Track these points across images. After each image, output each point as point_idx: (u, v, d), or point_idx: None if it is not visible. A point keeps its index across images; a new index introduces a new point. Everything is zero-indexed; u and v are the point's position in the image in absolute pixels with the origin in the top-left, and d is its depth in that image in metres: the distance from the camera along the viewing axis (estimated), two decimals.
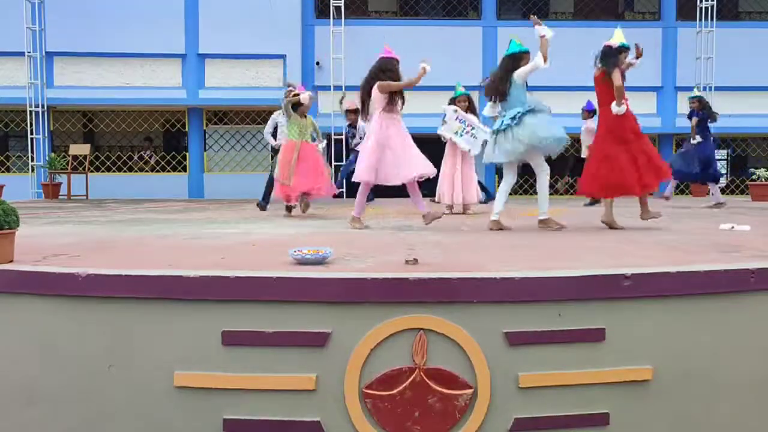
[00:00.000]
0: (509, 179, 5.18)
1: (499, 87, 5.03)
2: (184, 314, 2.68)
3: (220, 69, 13.14)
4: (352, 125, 9.97)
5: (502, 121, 5.01)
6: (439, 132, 7.48)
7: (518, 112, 4.93)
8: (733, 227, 5.07)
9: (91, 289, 2.70)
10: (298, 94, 6.84)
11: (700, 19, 13.41)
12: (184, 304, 2.68)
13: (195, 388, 2.67)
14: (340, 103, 10.41)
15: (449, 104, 7.67)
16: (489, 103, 5.35)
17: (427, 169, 5.09)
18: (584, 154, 9.27)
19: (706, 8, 13.40)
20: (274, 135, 8.64)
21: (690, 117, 8.86)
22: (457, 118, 7.37)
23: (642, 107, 13.51)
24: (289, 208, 7.07)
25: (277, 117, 8.46)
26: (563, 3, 14.61)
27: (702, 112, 8.74)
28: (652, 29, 13.66)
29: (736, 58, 13.30)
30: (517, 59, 5.03)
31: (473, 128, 7.35)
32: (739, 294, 2.82)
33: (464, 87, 7.84)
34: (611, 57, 5.12)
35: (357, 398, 2.64)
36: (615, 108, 5.05)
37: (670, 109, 13.93)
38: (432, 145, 8.56)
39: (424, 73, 5.07)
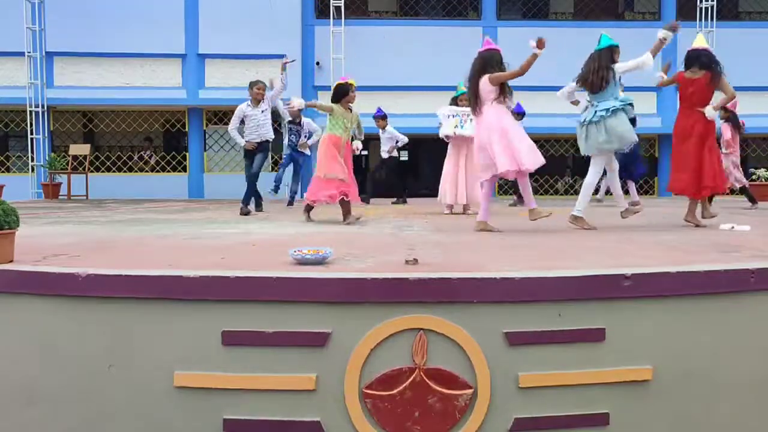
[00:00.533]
0: (597, 173, 5.23)
1: (603, 77, 5.06)
2: (184, 314, 2.68)
3: (220, 69, 13.14)
4: (295, 121, 8.94)
5: (595, 112, 5.06)
6: (441, 134, 7.49)
7: (614, 106, 5.00)
8: (733, 227, 5.07)
9: (91, 289, 2.70)
10: (346, 85, 5.92)
11: (700, 19, 13.41)
12: (184, 304, 2.68)
13: (195, 388, 2.67)
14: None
15: (451, 103, 7.68)
16: (567, 88, 5.44)
17: (539, 161, 4.88)
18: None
19: (706, 8, 13.40)
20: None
21: None
22: (448, 115, 7.39)
23: (642, 107, 13.52)
24: (310, 209, 6.18)
25: (245, 109, 7.54)
26: (563, 3, 14.61)
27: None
28: (652, 29, 13.61)
29: (736, 58, 13.24)
30: (614, 52, 5.12)
31: (467, 114, 7.38)
32: (739, 294, 2.82)
33: (466, 86, 7.84)
34: (718, 63, 5.26)
35: (357, 398, 2.64)
36: (712, 112, 5.21)
37: (670, 109, 13.92)
38: (434, 145, 8.59)
39: (535, 58, 4.83)
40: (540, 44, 4.76)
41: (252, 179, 7.42)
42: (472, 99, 5.05)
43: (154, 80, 13.18)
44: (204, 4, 13.04)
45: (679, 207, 8.95)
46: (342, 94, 5.87)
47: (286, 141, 9.07)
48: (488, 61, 4.99)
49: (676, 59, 13.63)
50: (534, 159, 4.80)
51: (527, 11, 14.14)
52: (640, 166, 9.01)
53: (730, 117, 9.04)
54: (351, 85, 5.93)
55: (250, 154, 7.58)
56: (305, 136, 8.94)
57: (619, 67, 5.07)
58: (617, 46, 5.15)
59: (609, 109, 5.00)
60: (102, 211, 7.98)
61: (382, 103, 11.59)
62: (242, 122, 7.63)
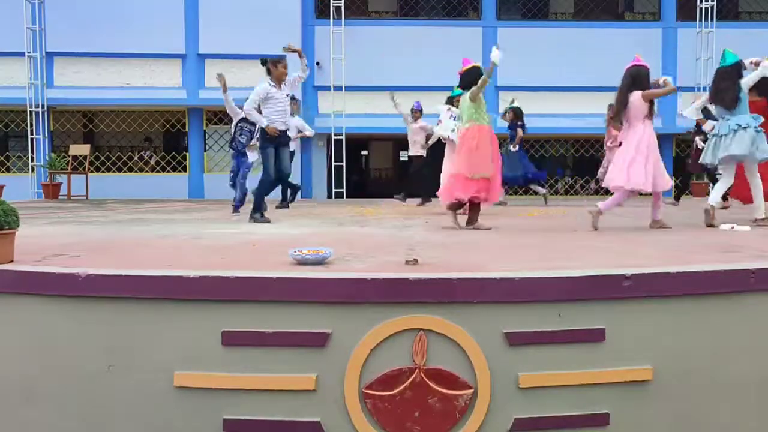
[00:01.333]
0: (728, 179, 5.52)
1: (734, 98, 5.37)
2: (184, 314, 2.68)
3: (220, 69, 13.08)
4: (248, 120, 7.25)
5: (728, 126, 5.34)
6: (437, 133, 7.49)
7: (748, 124, 5.29)
8: (733, 227, 5.07)
9: (91, 289, 2.70)
10: (480, 67, 5.36)
11: (700, 20, 13.41)
12: (184, 304, 2.68)
13: (195, 388, 2.67)
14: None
15: (446, 104, 7.68)
16: (695, 106, 5.89)
17: (669, 184, 5.22)
18: (412, 152, 9.55)
19: (706, 8, 13.39)
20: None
21: (511, 128, 9.60)
22: (451, 116, 7.38)
23: None
24: (457, 207, 5.41)
25: (269, 88, 6.12)
26: (563, 3, 14.60)
27: (519, 122, 9.52)
28: (652, 29, 13.66)
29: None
30: (739, 68, 5.43)
31: None
32: (739, 294, 2.82)
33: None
34: None
35: (357, 398, 2.64)
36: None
37: (670, 110, 13.92)
38: (433, 145, 8.58)
39: (670, 91, 5.19)
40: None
41: (285, 178, 6.29)
42: (619, 111, 5.21)
43: (154, 80, 13.16)
44: (204, 4, 13.03)
45: (677, 207, 8.94)
46: (476, 76, 5.30)
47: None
48: (636, 78, 5.13)
49: (676, 64, 13.67)
50: (667, 182, 5.12)
51: (527, 11, 14.13)
52: (536, 172, 9.58)
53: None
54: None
55: (271, 141, 6.17)
56: (256, 138, 7.68)
57: (744, 82, 5.39)
58: (742, 61, 5.49)
59: (743, 126, 5.27)
60: (102, 211, 7.97)
61: (382, 103, 11.57)
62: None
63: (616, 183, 5.07)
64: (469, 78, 5.38)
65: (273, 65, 6.13)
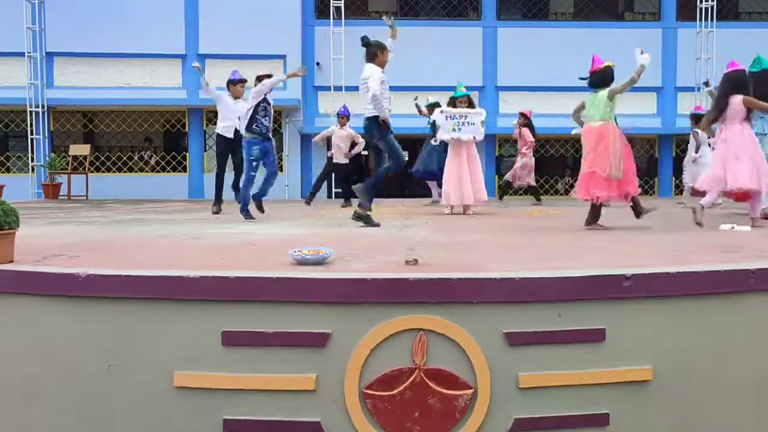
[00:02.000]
0: None
1: None
2: (184, 314, 2.68)
3: (220, 69, 13.13)
4: (266, 99, 6.67)
5: None
6: (440, 138, 7.49)
7: None
8: (733, 227, 5.07)
9: (91, 289, 2.70)
10: (610, 67, 5.18)
11: (700, 20, 13.41)
12: (184, 304, 2.68)
13: (195, 388, 2.67)
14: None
15: (449, 104, 7.67)
16: None
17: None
18: (336, 159, 9.35)
19: (706, 8, 13.40)
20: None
21: (433, 124, 9.20)
22: (446, 117, 7.37)
23: (642, 108, 13.53)
24: (598, 214, 5.25)
25: (381, 73, 5.78)
26: (563, 3, 14.61)
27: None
28: (652, 29, 13.66)
29: (736, 58, 13.27)
30: None
31: (465, 116, 7.35)
32: (739, 294, 2.82)
33: (466, 87, 7.83)
34: None
35: (357, 398, 2.64)
36: None
37: (670, 110, 13.95)
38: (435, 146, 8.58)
39: None
40: None
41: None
42: (717, 114, 5.40)
43: (154, 80, 13.19)
44: (204, 4, 13.05)
45: (679, 208, 8.95)
46: (610, 76, 5.22)
47: (245, 126, 6.64)
48: (736, 83, 5.35)
49: (676, 64, 13.67)
50: (748, 181, 5.18)
51: (527, 11, 14.14)
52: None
53: (529, 123, 9.87)
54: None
55: (387, 130, 5.70)
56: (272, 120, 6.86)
57: None
58: None
59: None
60: (102, 212, 7.97)
61: None
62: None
63: (718, 187, 5.24)
64: (603, 77, 5.21)
65: (381, 51, 5.85)
